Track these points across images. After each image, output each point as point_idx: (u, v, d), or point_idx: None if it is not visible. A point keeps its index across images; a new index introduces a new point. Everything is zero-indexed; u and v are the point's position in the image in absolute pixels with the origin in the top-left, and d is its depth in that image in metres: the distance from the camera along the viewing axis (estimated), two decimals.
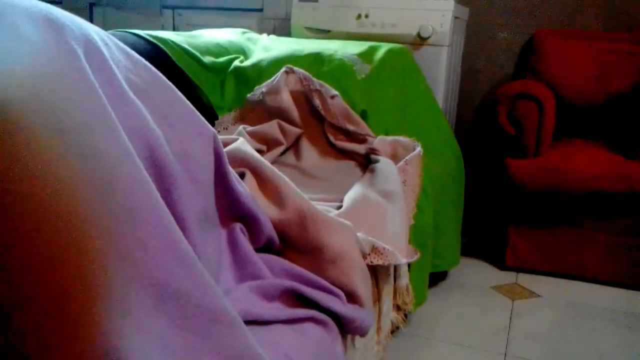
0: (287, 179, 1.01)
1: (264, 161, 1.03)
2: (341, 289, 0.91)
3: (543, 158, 1.92)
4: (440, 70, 2.11)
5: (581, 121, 2.21)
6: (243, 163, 1.02)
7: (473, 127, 2.61)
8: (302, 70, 1.59)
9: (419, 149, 1.50)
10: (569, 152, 1.96)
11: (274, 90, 1.57)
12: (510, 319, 1.69)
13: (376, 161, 1.43)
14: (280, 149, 1.54)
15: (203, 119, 0.84)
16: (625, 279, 1.92)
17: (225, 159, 0.86)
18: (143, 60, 0.78)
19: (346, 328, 0.89)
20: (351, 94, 1.60)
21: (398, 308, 1.29)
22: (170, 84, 0.80)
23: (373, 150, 1.51)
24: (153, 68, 0.79)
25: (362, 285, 0.93)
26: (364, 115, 1.60)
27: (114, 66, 0.67)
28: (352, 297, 0.92)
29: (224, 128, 1.57)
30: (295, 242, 0.96)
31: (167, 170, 0.70)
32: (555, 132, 1.99)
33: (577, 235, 1.95)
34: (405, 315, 1.35)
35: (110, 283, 0.50)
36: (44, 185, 0.47)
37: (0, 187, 0.44)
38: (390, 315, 1.25)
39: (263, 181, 1.01)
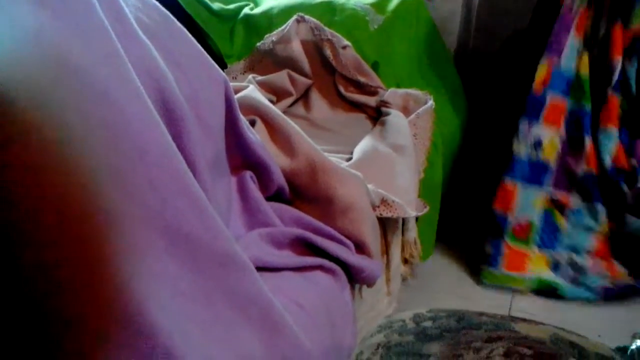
0: (298, 128, 1.00)
1: (275, 109, 1.01)
2: (350, 239, 0.91)
3: None
4: (454, 23, 2.05)
5: None
6: (254, 111, 1.01)
7: (483, 83, 2.56)
8: (313, 19, 1.55)
9: (430, 102, 1.47)
10: None
11: (285, 39, 1.53)
12: None
13: (387, 114, 1.41)
14: (290, 99, 1.51)
15: (214, 63, 0.82)
16: None
17: (236, 106, 0.85)
18: None
19: (355, 277, 0.90)
20: (363, 45, 1.56)
21: (405, 261, 1.30)
22: (181, 25, 0.78)
23: (384, 103, 1.48)
24: (162, 8, 0.76)
25: (371, 236, 0.93)
26: (375, 66, 1.57)
27: (123, 4, 0.65)
28: (361, 248, 0.92)
29: (232, 77, 1.55)
30: (305, 192, 0.95)
31: (177, 114, 0.69)
32: None
33: None
34: (413, 268, 1.35)
35: (119, 223, 0.49)
36: (50, 122, 0.45)
37: (2, 121, 0.42)
38: (398, 268, 1.26)
39: (274, 129, 0.99)
